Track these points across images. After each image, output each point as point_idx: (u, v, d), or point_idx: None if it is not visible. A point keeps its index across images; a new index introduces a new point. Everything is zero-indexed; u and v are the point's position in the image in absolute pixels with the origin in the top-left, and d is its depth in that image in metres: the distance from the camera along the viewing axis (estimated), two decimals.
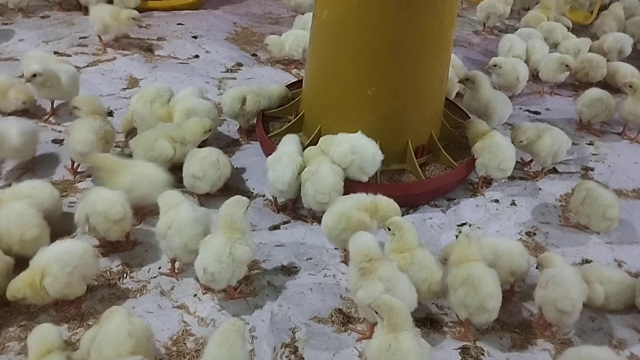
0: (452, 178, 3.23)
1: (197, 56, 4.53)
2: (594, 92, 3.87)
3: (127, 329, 2.03)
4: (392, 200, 2.67)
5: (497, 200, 3.25)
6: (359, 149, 2.97)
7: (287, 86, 3.80)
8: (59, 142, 3.39)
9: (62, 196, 2.96)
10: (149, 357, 2.06)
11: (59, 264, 2.29)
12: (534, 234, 3.06)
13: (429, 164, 3.31)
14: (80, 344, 2.13)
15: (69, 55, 4.27)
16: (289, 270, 2.71)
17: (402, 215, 2.99)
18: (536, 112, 4.21)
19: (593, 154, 3.76)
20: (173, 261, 2.62)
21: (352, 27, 2.95)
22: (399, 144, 3.20)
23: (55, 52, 4.25)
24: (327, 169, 2.89)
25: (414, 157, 3.19)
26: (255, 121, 3.60)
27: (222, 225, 2.46)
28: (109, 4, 4.39)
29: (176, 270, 2.63)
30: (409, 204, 3.15)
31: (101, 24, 4.26)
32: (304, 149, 3.10)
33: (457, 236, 2.96)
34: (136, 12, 4.39)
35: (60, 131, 3.51)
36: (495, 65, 4.04)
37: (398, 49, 2.93)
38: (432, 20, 2.92)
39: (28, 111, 3.58)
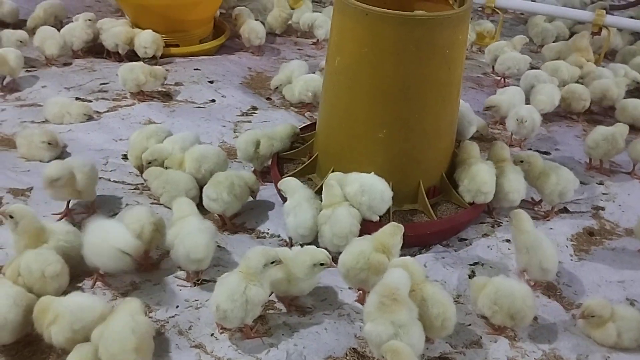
0: (464, 218, 3.28)
1: (213, 100, 4.66)
2: (599, 134, 3.91)
3: (131, 327, 2.22)
4: (385, 226, 2.77)
5: (508, 240, 3.28)
6: (368, 188, 3.04)
7: (301, 128, 3.91)
8: None
9: None
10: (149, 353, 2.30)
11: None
12: None
13: (441, 204, 3.37)
14: (91, 339, 2.27)
15: (90, 101, 4.41)
16: (304, 310, 2.76)
17: (414, 255, 3.07)
18: (546, 152, 4.26)
19: (603, 194, 3.79)
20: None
21: (364, 73, 3.05)
22: (410, 184, 3.27)
23: (77, 98, 4.40)
24: (344, 212, 2.95)
25: (426, 198, 3.25)
26: (269, 163, 3.70)
27: (242, 266, 2.53)
28: (135, 62, 4.53)
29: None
30: (421, 244, 3.20)
31: (135, 84, 4.41)
32: (316, 191, 3.18)
33: (470, 276, 3.01)
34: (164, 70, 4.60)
35: None
36: (524, 121, 4.05)
37: (408, 93, 3.03)
38: (441, 66, 3.02)
39: (61, 158, 3.67)
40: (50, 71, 4.84)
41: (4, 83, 4.54)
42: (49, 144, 3.64)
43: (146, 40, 4.93)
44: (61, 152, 3.77)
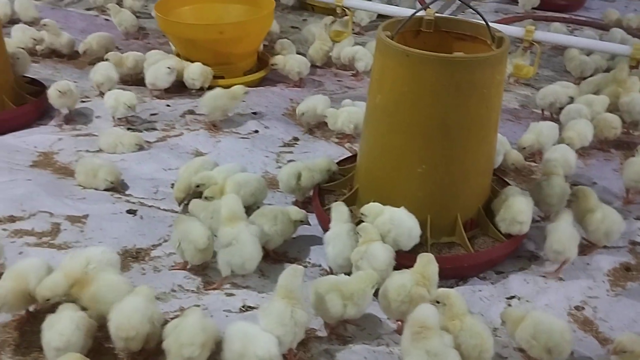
0: (501, 251, 3.36)
1: (256, 131, 4.84)
2: (638, 165, 3.96)
3: (202, 325, 2.52)
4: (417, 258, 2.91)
5: (545, 275, 3.35)
6: (397, 222, 3.16)
7: (341, 161, 4.07)
8: (132, 212, 3.70)
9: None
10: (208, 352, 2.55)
11: None
12: (583, 308, 3.15)
13: (478, 238, 3.45)
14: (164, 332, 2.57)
15: (141, 131, 4.63)
16: (344, 339, 2.87)
17: (451, 287, 3.16)
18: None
19: None
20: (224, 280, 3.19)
21: (404, 110, 3.19)
22: (448, 217, 3.37)
23: (128, 129, 4.63)
24: (379, 247, 3.05)
25: (463, 231, 3.35)
26: (310, 194, 3.85)
27: (280, 293, 2.68)
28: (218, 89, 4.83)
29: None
30: (458, 276, 3.29)
31: (222, 110, 4.74)
32: (357, 223, 3.28)
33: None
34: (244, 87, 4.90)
35: (133, 202, 3.83)
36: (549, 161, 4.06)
37: (447, 131, 3.15)
38: (480, 105, 3.14)
39: (115, 187, 3.95)
40: (103, 102, 5.08)
41: (64, 116, 4.75)
42: (111, 182, 3.88)
43: (194, 72, 5.15)
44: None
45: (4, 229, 3.46)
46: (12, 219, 3.56)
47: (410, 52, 3.07)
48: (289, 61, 5.61)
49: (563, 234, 3.28)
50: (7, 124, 4.48)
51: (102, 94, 5.07)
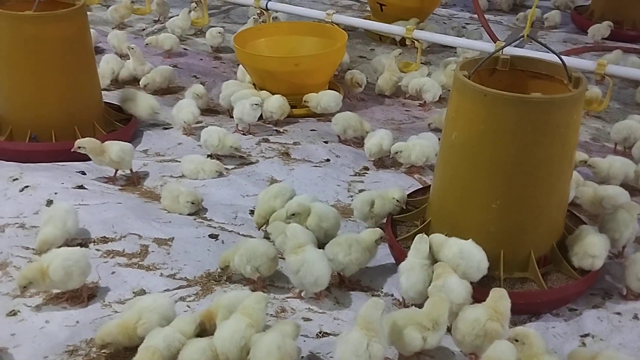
0: (575, 289, 3.39)
1: (328, 160, 5.01)
2: None
3: (278, 344, 2.65)
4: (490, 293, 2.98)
5: (619, 313, 3.35)
6: (467, 255, 3.24)
7: (412, 192, 4.20)
8: (214, 237, 3.91)
9: None
10: None
11: None
12: None
13: (551, 274, 3.48)
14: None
15: (220, 159, 4.87)
16: None
17: (524, 322, 3.21)
18: None
19: None
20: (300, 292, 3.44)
21: (479, 148, 3.28)
22: (521, 253, 3.42)
23: (208, 156, 4.86)
24: (455, 281, 3.14)
25: (537, 267, 3.39)
26: (383, 222, 3.97)
27: (360, 323, 2.78)
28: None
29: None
30: (530, 312, 3.33)
31: (351, 128, 5.19)
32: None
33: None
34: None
35: (215, 227, 4.04)
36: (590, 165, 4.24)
37: (522, 169, 3.22)
38: (555, 144, 3.20)
39: (198, 212, 4.18)
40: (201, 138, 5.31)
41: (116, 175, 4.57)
42: (192, 203, 4.10)
43: (273, 106, 5.36)
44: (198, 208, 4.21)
45: (97, 250, 3.72)
46: (104, 240, 3.82)
47: (487, 92, 3.17)
48: (323, 98, 5.61)
49: None
50: None
51: (184, 128, 5.34)
